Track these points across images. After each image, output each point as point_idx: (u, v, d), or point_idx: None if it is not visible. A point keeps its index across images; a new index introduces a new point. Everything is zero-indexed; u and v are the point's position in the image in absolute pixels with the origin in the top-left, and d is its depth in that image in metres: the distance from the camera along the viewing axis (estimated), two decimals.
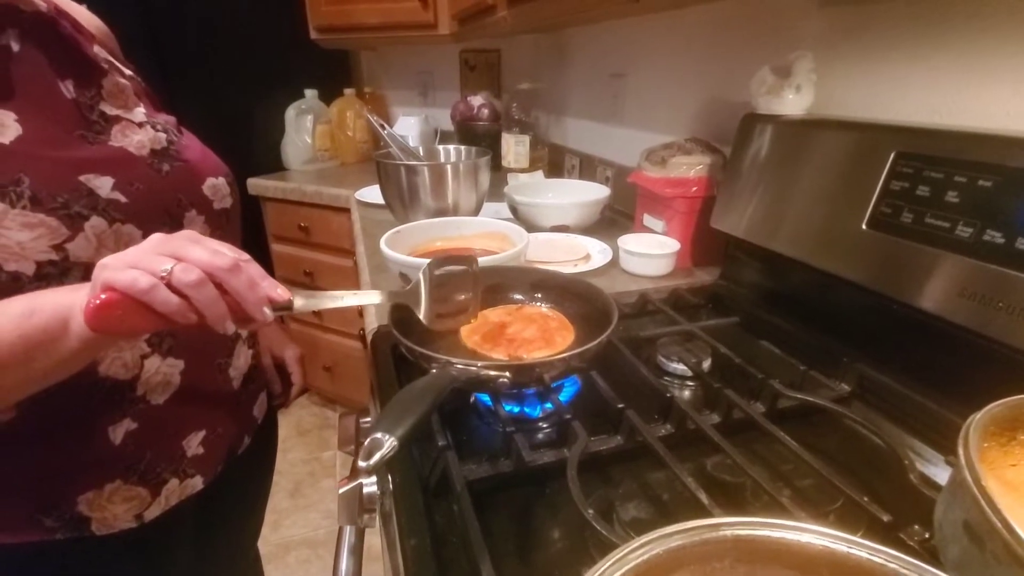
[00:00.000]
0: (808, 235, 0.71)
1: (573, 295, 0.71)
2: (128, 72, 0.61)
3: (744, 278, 0.86)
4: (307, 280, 1.91)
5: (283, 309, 0.45)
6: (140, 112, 0.58)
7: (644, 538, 0.26)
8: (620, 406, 0.53)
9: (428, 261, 0.63)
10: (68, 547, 0.53)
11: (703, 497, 0.43)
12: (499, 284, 0.73)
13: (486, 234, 0.96)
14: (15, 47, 0.48)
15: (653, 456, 0.49)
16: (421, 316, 0.60)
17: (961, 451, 0.31)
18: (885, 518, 0.42)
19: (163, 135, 0.58)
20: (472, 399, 0.61)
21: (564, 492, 0.44)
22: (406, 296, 0.61)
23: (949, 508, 0.33)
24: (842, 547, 0.26)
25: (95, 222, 0.48)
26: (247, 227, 0.70)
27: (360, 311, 1.72)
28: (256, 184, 1.89)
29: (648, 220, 1.05)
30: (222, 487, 0.64)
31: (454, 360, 0.51)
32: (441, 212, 1.12)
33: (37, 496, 0.52)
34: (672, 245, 0.95)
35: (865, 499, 0.43)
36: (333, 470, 1.91)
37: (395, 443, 0.37)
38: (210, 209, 0.61)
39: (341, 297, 0.51)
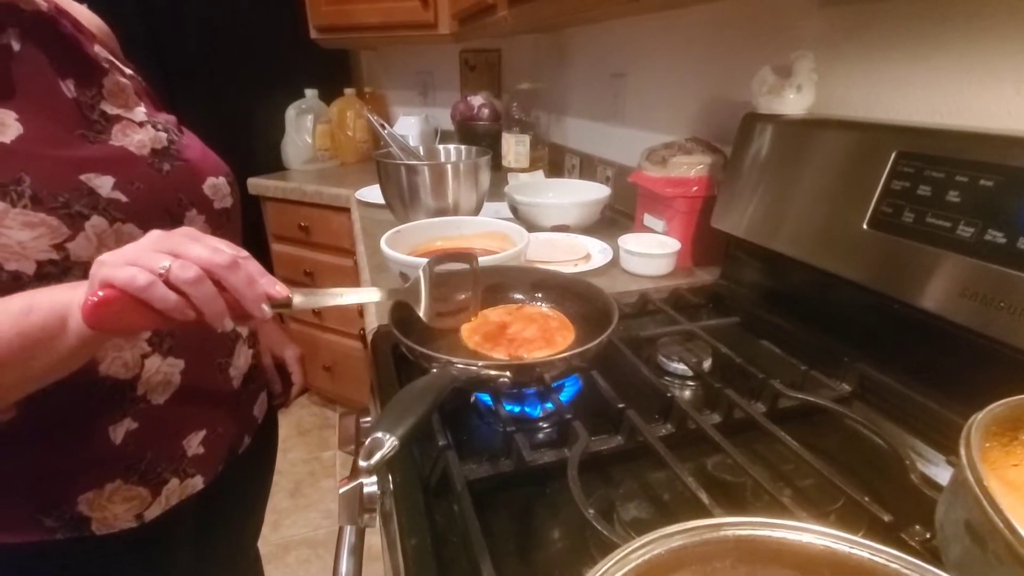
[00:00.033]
0: (809, 235, 0.71)
1: (574, 295, 0.71)
2: (128, 71, 0.61)
3: (745, 278, 0.86)
4: (307, 280, 1.91)
5: (282, 306, 0.45)
6: (141, 111, 0.58)
7: (645, 538, 0.26)
8: (621, 406, 0.53)
9: (428, 259, 0.63)
10: (68, 547, 0.53)
11: (704, 497, 0.43)
12: (499, 284, 0.73)
13: (486, 234, 0.96)
14: (16, 46, 0.48)
15: (654, 456, 0.48)
16: (421, 314, 0.60)
17: (963, 451, 0.31)
18: (886, 518, 0.41)
19: (163, 134, 0.58)
20: (473, 399, 0.61)
21: (565, 492, 0.44)
22: (406, 294, 0.61)
23: (951, 508, 0.33)
24: (843, 547, 0.26)
25: (96, 221, 0.48)
26: (247, 227, 0.70)
27: (360, 311, 1.72)
28: (256, 184, 1.89)
29: (648, 220, 1.05)
30: (222, 487, 0.64)
31: (455, 360, 0.51)
32: (441, 212, 1.12)
33: (37, 496, 0.52)
34: (672, 245, 0.95)
35: (866, 499, 0.43)
36: (333, 470, 1.91)
37: (396, 443, 0.37)
38: (211, 209, 0.61)
39: (340, 294, 0.51)
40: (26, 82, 0.48)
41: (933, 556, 0.38)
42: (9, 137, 0.46)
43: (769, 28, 0.90)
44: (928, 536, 0.41)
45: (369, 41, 2.13)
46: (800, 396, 0.56)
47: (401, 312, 0.61)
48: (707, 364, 0.66)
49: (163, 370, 0.55)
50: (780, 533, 0.26)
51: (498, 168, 1.64)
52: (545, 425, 0.58)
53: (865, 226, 0.63)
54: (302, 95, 2.02)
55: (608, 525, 0.41)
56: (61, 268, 0.46)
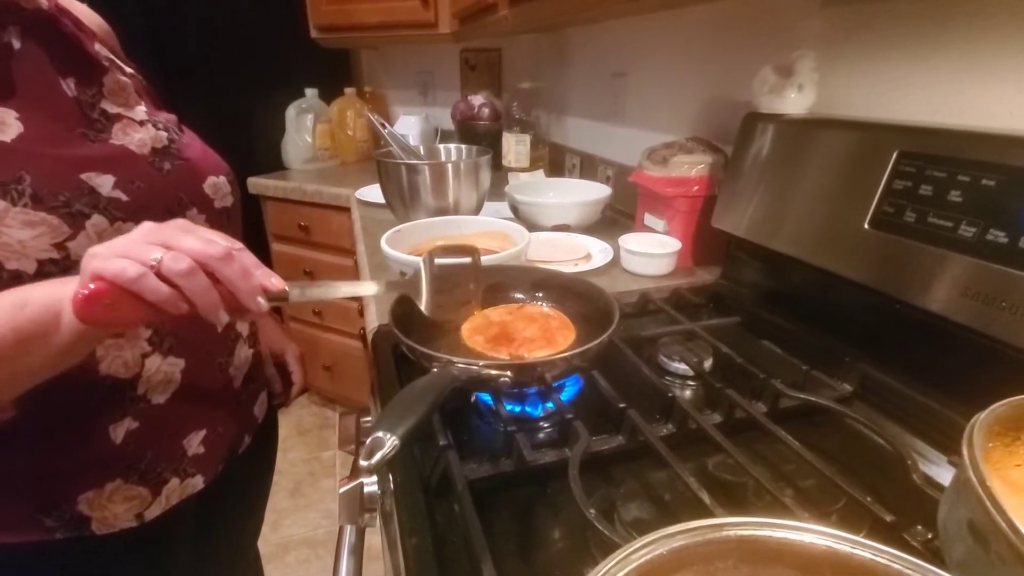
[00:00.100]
0: (810, 235, 0.71)
1: (574, 294, 0.71)
2: (129, 70, 0.61)
3: (745, 277, 0.86)
4: (307, 279, 1.91)
5: (278, 299, 0.44)
6: (141, 110, 0.58)
7: (647, 538, 0.25)
8: (622, 406, 0.53)
9: (428, 252, 0.61)
10: (68, 547, 0.53)
11: (705, 497, 0.42)
12: (500, 283, 0.73)
13: (487, 233, 0.96)
14: (16, 44, 0.48)
15: (655, 456, 0.48)
16: (422, 307, 0.59)
17: (965, 451, 0.31)
18: (888, 518, 0.41)
19: (164, 133, 0.58)
20: (473, 398, 0.61)
21: (566, 492, 0.44)
22: (406, 286, 0.60)
23: (953, 508, 0.33)
24: (845, 547, 0.26)
25: (96, 220, 0.48)
26: (247, 226, 0.70)
27: (360, 310, 1.72)
28: (256, 183, 1.89)
29: (649, 219, 1.05)
30: (222, 486, 0.64)
31: (455, 359, 0.51)
32: (442, 211, 1.12)
33: (37, 496, 0.51)
34: (673, 244, 0.95)
35: (868, 499, 0.43)
36: (333, 470, 1.91)
37: (396, 442, 0.37)
38: (211, 208, 0.61)
39: (338, 287, 0.50)
40: (27, 81, 0.48)
41: (935, 556, 0.38)
42: (9, 136, 0.45)
43: (770, 28, 0.90)
44: (930, 536, 0.41)
45: (369, 40, 2.13)
46: (801, 396, 0.56)
47: (402, 311, 0.61)
48: (708, 364, 0.66)
49: (163, 369, 0.55)
50: (782, 533, 0.26)
51: (498, 168, 1.64)
52: (546, 425, 0.58)
53: (866, 226, 0.63)
54: (302, 94, 2.01)
55: (609, 525, 0.41)
56: (62, 267, 0.46)
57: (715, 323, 0.76)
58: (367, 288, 0.54)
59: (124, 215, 0.50)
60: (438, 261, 0.60)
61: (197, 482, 0.60)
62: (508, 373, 0.51)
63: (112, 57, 0.59)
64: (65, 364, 0.45)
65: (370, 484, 0.38)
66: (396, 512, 0.45)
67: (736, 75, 0.99)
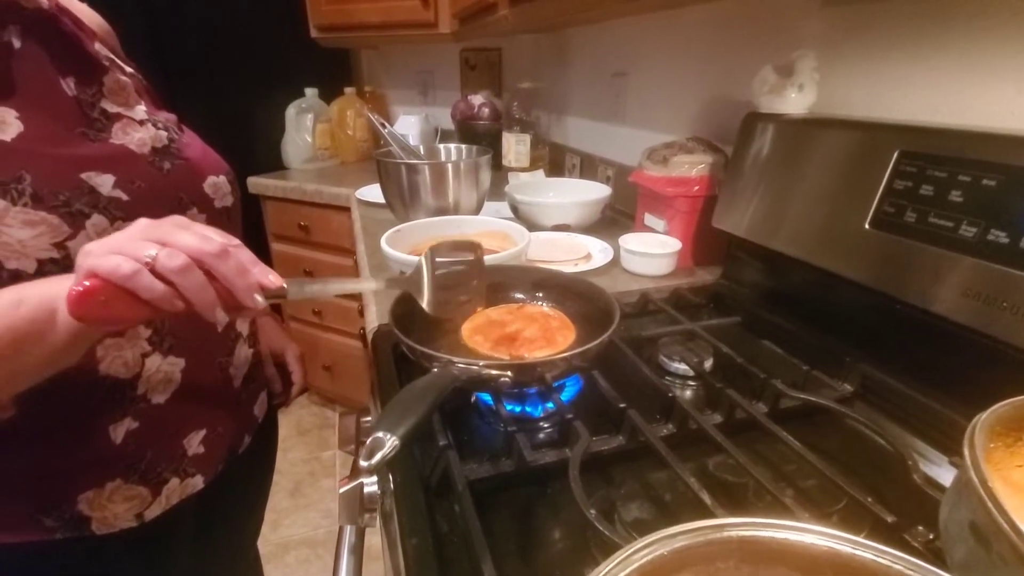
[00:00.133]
0: (810, 235, 0.70)
1: (574, 294, 0.70)
2: (129, 69, 0.61)
3: (746, 277, 0.86)
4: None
5: (275, 296, 0.44)
6: (141, 110, 0.58)
7: (648, 538, 0.25)
8: (622, 406, 0.53)
9: (430, 248, 0.60)
10: (68, 547, 0.53)
11: (706, 497, 0.42)
12: (500, 283, 0.73)
13: (487, 233, 0.96)
14: (16, 44, 0.48)
15: (655, 456, 0.48)
16: (424, 304, 0.58)
17: (967, 451, 0.31)
18: (889, 519, 0.41)
19: (164, 133, 0.58)
20: (473, 398, 0.61)
21: (566, 492, 0.44)
22: (407, 283, 0.59)
23: (954, 509, 0.33)
24: (846, 548, 0.26)
25: (96, 220, 0.48)
26: (247, 226, 0.70)
27: (360, 310, 1.72)
28: (256, 183, 1.88)
29: (649, 219, 1.05)
30: (222, 486, 0.64)
31: (455, 359, 0.51)
32: (442, 211, 1.12)
33: (37, 496, 0.51)
34: (673, 244, 0.95)
35: (869, 500, 0.43)
36: (333, 470, 1.91)
37: (397, 443, 0.37)
38: (211, 207, 0.61)
39: (337, 284, 0.50)
40: (27, 80, 0.48)
41: (936, 557, 0.38)
42: (9, 135, 0.45)
43: (770, 28, 0.90)
44: (931, 537, 0.41)
45: (369, 40, 2.13)
46: (802, 396, 0.56)
47: (402, 310, 0.61)
48: (708, 364, 0.66)
49: (163, 369, 0.55)
50: (783, 534, 0.26)
51: (498, 167, 1.64)
52: (546, 425, 0.58)
53: (867, 226, 0.63)
54: (302, 94, 2.01)
55: (610, 525, 0.41)
56: (62, 267, 0.46)
57: (715, 323, 0.76)
58: (367, 284, 0.54)
59: (124, 215, 0.50)
60: (439, 258, 0.59)
61: (197, 482, 0.60)
62: (508, 373, 0.51)
63: (112, 56, 0.59)
64: (63, 363, 0.45)
65: (370, 484, 0.38)
66: (396, 512, 0.45)
67: (736, 75, 0.99)
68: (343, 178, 1.86)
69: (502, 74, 2.07)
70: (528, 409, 0.58)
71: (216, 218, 0.61)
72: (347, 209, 1.63)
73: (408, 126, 2.01)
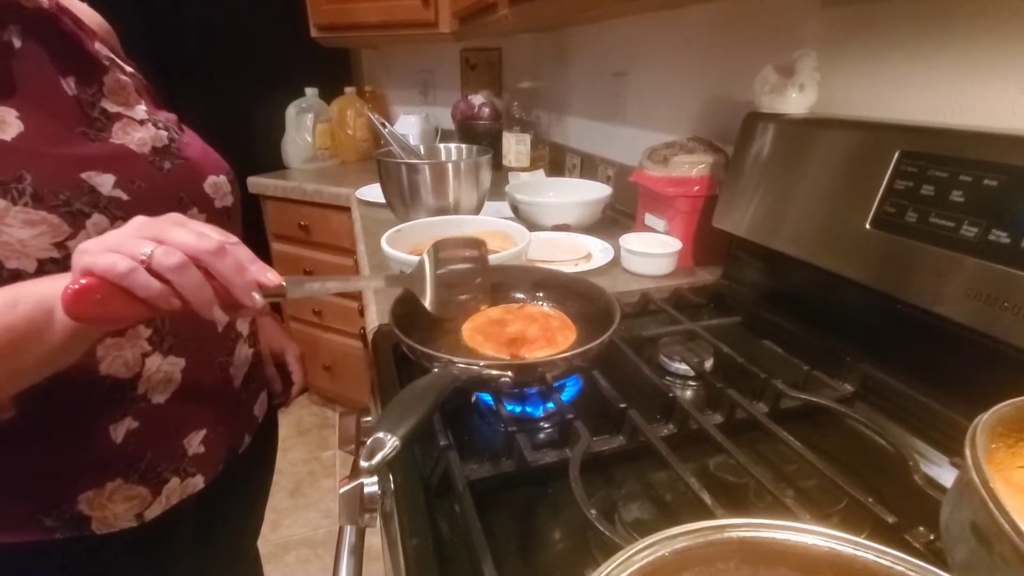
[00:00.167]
0: (811, 234, 0.70)
1: (575, 294, 0.70)
2: (129, 69, 0.61)
3: (746, 277, 0.86)
4: None
5: (274, 295, 0.43)
6: (141, 109, 0.58)
7: (649, 539, 0.25)
8: (622, 406, 0.53)
9: (433, 244, 0.59)
10: (68, 547, 0.53)
11: (706, 498, 0.42)
12: (501, 283, 0.72)
13: (487, 233, 0.96)
14: (17, 43, 0.48)
15: (656, 456, 0.48)
16: (426, 303, 0.57)
17: (968, 452, 0.31)
18: (890, 519, 0.41)
19: (164, 132, 0.58)
20: (474, 398, 0.61)
21: (566, 492, 0.44)
22: (408, 281, 0.58)
23: (955, 510, 0.33)
24: (847, 549, 0.25)
25: (97, 220, 0.48)
26: (247, 226, 0.70)
27: (361, 309, 1.72)
28: (256, 183, 1.88)
29: (650, 219, 1.05)
30: (222, 486, 0.64)
31: (456, 359, 0.51)
32: (442, 211, 1.12)
33: (37, 496, 0.51)
34: (674, 244, 0.95)
35: (869, 500, 0.43)
36: (333, 470, 1.91)
37: (397, 443, 0.37)
38: (211, 207, 0.61)
39: (337, 282, 0.49)
40: (27, 79, 0.48)
41: (937, 558, 0.38)
42: (10, 135, 0.45)
43: (770, 27, 0.90)
44: (932, 538, 0.40)
45: (370, 40, 2.13)
46: (802, 396, 0.56)
47: (402, 310, 0.61)
48: (709, 364, 0.66)
49: (164, 369, 0.55)
50: (784, 535, 0.26)
51: (499, 167, 1.64)
52: (547, 425, 0.58)
53: (868, 226, 0.63)
54: (302, 94, 2.01)
55: (610, 526, 0.41)
56: (62, 266, 0.46)
57: (716, 323, 0.76)
58: (368, 282, 0.53)
59: (124, 214, 0.50)
60: (442, 255, 0.58)
61: (197, 482, 0.60)
62: (509, 373, 0.51)
63: (112, 56, 0.59)
64: (62, 362, 0.44)
65: (370, 484, 0.38)
66: (396, 512, 0.45)
67: (737, 75, 0.99)
68: (343, 178, 1.86)
69: (502, 74, 2.07)
70: (529, 409, 0.58)
71: (216, 218, 0.61)
72: (347, 209, 1.62)
73: (408, 126, 2.01)
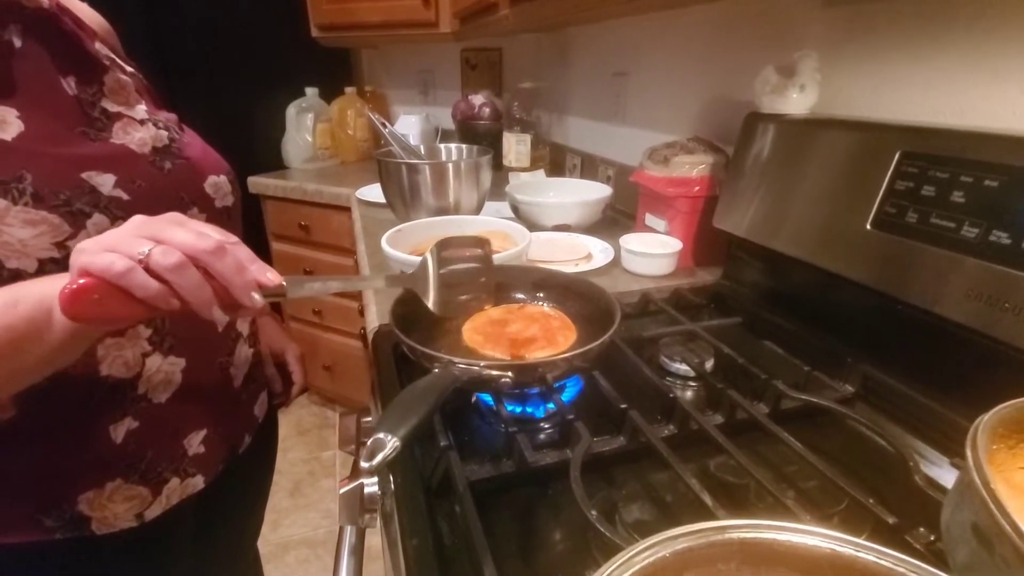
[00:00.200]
0: (812, 235, 0.70)
1: (575, 294, 0.70)
2: (129, 69, 0.61)
3: (747, 278, 0.86)
4: None
5: (274, 294, 0.43)
6: (141, 109, 0.58)
7: (650, 540, 0.25)
8: (623, 406, 0.53)
9: (436, 243, 0.58)
10: (68, 547, 0.53)
11: (707, 498, 0.42)
12: (501, 283, 0.72)
13: (488, 233, 0.96)
14: (17, 43, 0.48)
15: (656, 457, 0.48)
16: (429, 303, 0.56)
17: (969, 453, 0.31)
18: (890, 520, 0.41)
19: (164, 132, 0.58)
20: (474, 399, 0.61)
21: (567, 493, 0.44)
22: (410, 280, 0.58)
23: (956, 511, 0.33)
24: (848, 550, 0.25)
25: (97, 219, 0.48)
26: (247, 226, 0.70)
27: (361, 309, 1.72)
28: (256, 182, 1.88)
29: (650, 219, 1.05)
30: (223, 486, 0.64)
31: (456, 360, 0.51)
32: (442, 211, 1.12)
33: (37, 496, 0.51)
34: (674, 245, 0.95)
35: (870, 501, 0.43)
36: (333, 470, 1.91)
37: (398, 443, 0.37)
38: (212, 207, 0.61)
39: (338, 282, 0.49)
40: (27, 79, 0.48)
41: (938, 559, 0.38)
42: (10, 135, 0.45)
43: (771, 28, 0.90)
44: (933, 539, 0.40)
45: (370, 40, 2.13)
46: (803, 397, 0.56)
47: (403, 310, 0.61)
48: (709, 364, 0.66)
49: (164, 369, 0.55)
50: (784, 536, 0.26)
51: (499, 167, 1.64)
52: (547, 426, 0.58)
53: (868, 226, 0.63)
54: (303, 93, 2.01)
55: (611, 527, 0.41)
56: (62, 266, 0.46)
57: (716, 323, 0.76)
58: (368, 282, 0.53)
59: (125, 214, 0.50)
60: (445, 253, 0.57)
61: (197, 482, 0.60)
62: (509, 374, 0.51)
63: (112, 56, 0.59)
64: (62, 362, 0.44)
65: (370, 485, 0.38)
66: (397, 513, 0.45)
67: (737, 75, 0.99)
68: (343, 178, 1.86)
69: (503, 74, 2.07)
70: (529, 410, 0.58)
71: (216, 218, 0.61)
72: (347, 209, 1.62)
73: (408, 126, 2.01)
